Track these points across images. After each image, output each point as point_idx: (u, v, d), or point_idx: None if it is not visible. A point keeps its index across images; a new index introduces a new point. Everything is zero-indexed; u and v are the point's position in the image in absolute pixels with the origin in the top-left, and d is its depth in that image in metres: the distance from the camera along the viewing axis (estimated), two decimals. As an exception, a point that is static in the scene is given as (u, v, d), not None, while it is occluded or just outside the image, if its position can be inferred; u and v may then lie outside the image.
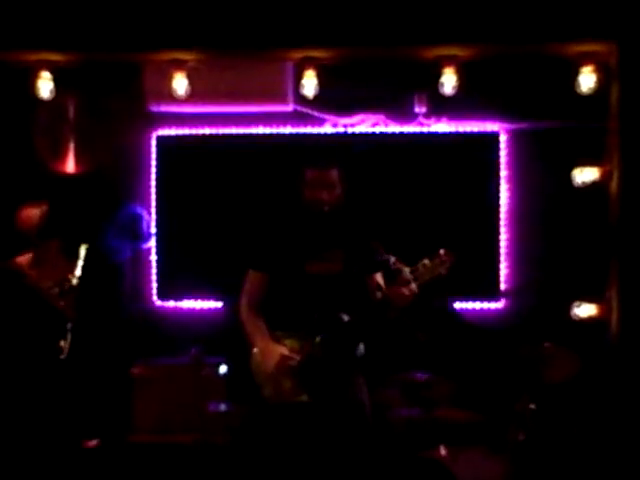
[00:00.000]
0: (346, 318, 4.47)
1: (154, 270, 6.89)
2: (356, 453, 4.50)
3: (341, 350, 4.51)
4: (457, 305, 6.46)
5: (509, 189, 6.63)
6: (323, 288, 4.54)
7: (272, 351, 4.46)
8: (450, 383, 5.65)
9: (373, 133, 6.71)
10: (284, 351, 4.45)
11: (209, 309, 6.81)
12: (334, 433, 4.45)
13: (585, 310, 6.30)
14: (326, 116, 6.70)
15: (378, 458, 4.88)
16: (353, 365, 4.61)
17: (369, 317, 4.46)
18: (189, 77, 6.28)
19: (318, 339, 4.47)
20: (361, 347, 4.66)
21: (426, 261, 4.44)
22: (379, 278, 4.56)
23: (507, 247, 6.63)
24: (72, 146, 6.70)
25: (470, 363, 5.75)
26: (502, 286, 6.63)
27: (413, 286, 4.36)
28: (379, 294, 4.43)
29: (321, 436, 4.44)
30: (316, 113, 6.68)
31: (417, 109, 6.62)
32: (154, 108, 6.61)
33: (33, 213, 5.10)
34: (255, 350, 4.56)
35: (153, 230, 6.79)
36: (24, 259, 5.13)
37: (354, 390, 4.57)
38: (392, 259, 4.42)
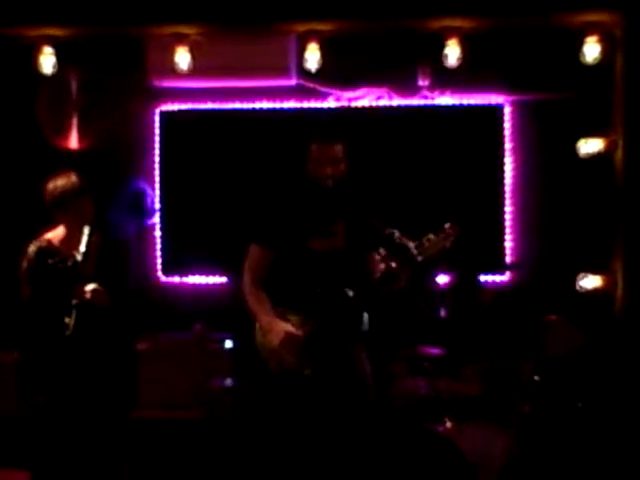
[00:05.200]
0: (351, 293, 4.47)
1: (159, 246, 6.90)
2: (359, 425, 4.52)
3: (346, 325, 4.52)
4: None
5: (513, 161, 6.60)
6: (326, 264, 4.52)
7: (276, 327, 4.44)
8: (456, 356, 5.66)
9: (377, 106, 6.68)
10: (288, 327, 4.43)
11: (214, 284, 6.81)
12: (337, 405, 4.46)
13: (590, 282, 6.30)
14: (330, 90, 6.67)
15: (383, 431, 4.90)
16: (357, 339, 4.61)
17: (372, 292, 4.47)
18: (192, 52, 6.27)
19: (322, 316, 4.47)
20: (365, 321, 4.66)
21: (431, 236, 4.42)
22: (382, 253, 4.53)
23: (512, 219, 6.61)
24: (75, 122, 6.69)
25: (475, 336, 5.76)
26: (507, 259, 6.62)
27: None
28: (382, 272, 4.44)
29: (324, 409, 4.45)
30: (319, 87, 6.65)
31: (421, 82, 6.58)
32: (157, 83, 6.59)
33: (61, 183, 4.92)
34: (259, 326, 4.56)
35: (157, 206, 6.79)
36: (54, 234, 4.99)
37: (356, 362, 4.58)
38: (396, 233, 4.41)
